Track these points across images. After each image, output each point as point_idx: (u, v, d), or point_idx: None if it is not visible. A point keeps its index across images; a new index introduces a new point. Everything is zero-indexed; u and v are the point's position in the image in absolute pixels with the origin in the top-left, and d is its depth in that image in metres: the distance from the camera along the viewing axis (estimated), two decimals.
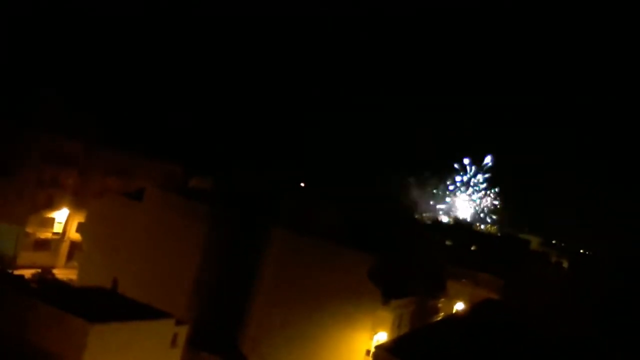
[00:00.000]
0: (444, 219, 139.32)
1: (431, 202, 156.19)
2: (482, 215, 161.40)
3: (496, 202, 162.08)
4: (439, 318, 45.17)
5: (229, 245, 44.09)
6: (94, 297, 32.63)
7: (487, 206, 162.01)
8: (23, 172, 56.08)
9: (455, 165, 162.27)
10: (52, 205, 58.67)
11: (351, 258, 39.56)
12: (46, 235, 58.53)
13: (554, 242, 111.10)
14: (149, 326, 29.89)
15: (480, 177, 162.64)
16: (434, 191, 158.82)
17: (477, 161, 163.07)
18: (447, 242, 64.88)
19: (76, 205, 59.13)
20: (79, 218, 58.37)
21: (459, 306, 48.30)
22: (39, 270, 53.01)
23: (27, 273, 50.13)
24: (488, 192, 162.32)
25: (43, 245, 58.27)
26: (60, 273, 55.38)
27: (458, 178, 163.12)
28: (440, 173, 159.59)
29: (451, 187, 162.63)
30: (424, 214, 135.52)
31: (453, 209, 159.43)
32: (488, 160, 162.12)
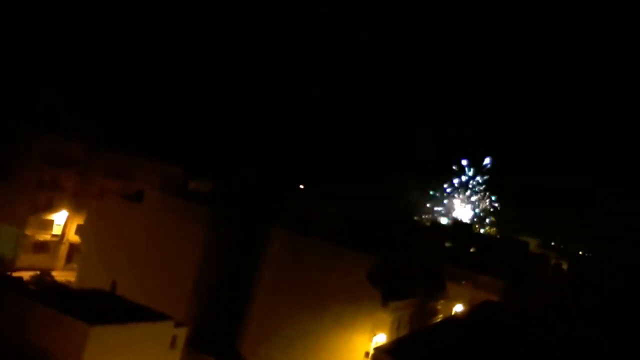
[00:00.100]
0: (443, 220, 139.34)
1: (430, 204, 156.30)
2: (481, 216, 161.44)
3: (495, 204, 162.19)
4: (438, 320, 45.14)
5: (228, 246, 44.09)
6: (93, 299, 32.63)
7: (486, 208, 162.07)
8: (22, 174, 56.03)
9: (454, 167, 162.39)
10: (52, 207, 58.62)
11: (351, 259, 39.56)
12: (45, 237, 58.45)
13: (553, 243, 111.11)
14: (148, 328, 29.88)
15: (479, 178, 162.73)
16: (433, 193, 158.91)
17: (476, 162, 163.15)
18: (447, 244, 64.92)
19: (75, 207, 59.10)
20: (78, 220, 58.36)
21: (458, 308, 48.31)
22: (38, 273, 52.94)
23: (26, 275, 50.05)
24: (487, 193, 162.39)
25: (42, 247, 58.20)
26: (59, 275, 55.28)
27: (457, 180, 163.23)
28: (439, 174, 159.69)
29: (450, 189, 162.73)
30: (424, 216, 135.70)
31: (452, 210, 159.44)
32: (487, 161, 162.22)
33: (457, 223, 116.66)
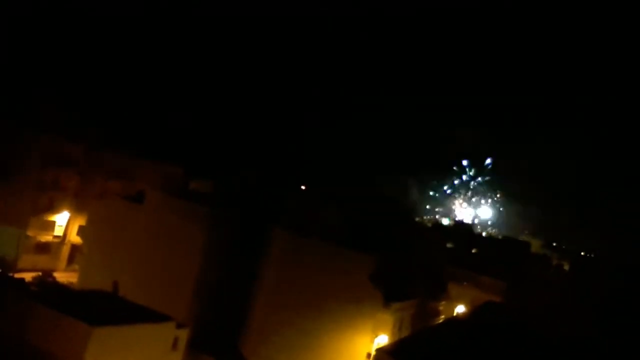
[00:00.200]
0: (445, 221, 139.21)
1: (431, 205, 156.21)
2: (482, 217, 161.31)
3: (496, 205, 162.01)
4: (440, 321, 45.09)
5: (229, 246, 44.07)
6: (95, 300, 32.63)
7: (486, 209, 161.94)
8: (23, 174, 56.03)
9: (455, 167, 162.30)
10: (53, 208, 58.64)
11: (352, 259, 39.50)
12: (47, 238, 58.47)
13: (554, 244, 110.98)
14: (150, 329, 29.87)
15: (480, 179, 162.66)
16: (434, 193, 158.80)
17: (477, 163, 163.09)
18: (448, 245, 64.81)
19: (77, 208, 59.10)
20: (80, 221, 58.35)
21: (460, 309, 48.23)
22: (40, 274, 52.95)
23: (28, 276, 50.04)
24: (488, 194, 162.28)
25: (44, 248, 58.21)
26: (61, 276, 55.30)
27: (458, 180, 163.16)
28: (440, 175, 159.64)
29: (451, 190, 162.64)
30: (425, 216, 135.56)
31: (453, 211, 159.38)
32: (488, 161, 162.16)
33: (458, 224, 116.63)
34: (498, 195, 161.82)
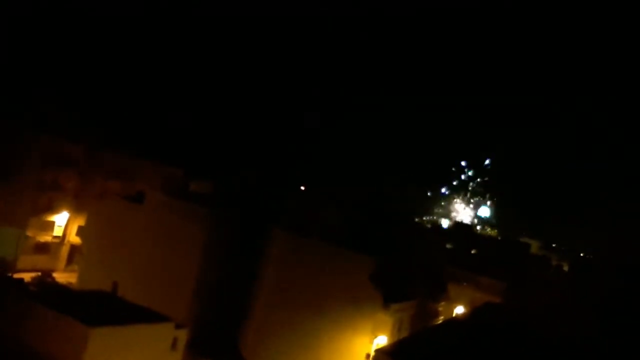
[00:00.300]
0: (444, 222, 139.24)
1: (431, 205, 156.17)
2: (481, 218, 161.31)
3: (496, 205, 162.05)
4: (440, 321, 45.06)
5: (229, 247, 44.07)
6: (94, 300, 32.62)
7: (486, 209, 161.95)
8: (23, 175, 56.01)
9: (454, 168, 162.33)
10: (53, 208, 58.61)
11: (351, 260, 39.51)
12: (46, 238, 58.45)
13: (553, 245, 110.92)
14: (149, 330, 29.84)
15: (479, 179, 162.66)
16: (433, 194, 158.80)
17: (476, 163, 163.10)
18: (448, 246, 64.79)
19: (76, 208, 59.08)
20: (79, 221, 58.33)
21: (460, 309, 48.20)
22: (39, 274, 52.94)
23: (27, 276, 50.02)
24: (487, 194, 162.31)
25: (43, 248, 58.19)
26: (60, 276, 55.29)
27: (457, 181, 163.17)
28: (440, 176, 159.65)
29: (451, 190, 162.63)
30: (424, 217, 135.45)
31: (453, 212, 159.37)
32: (487, 162, 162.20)
33: (457, 224, 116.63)
34: (497, 196, 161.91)
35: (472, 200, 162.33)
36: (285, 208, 47.54)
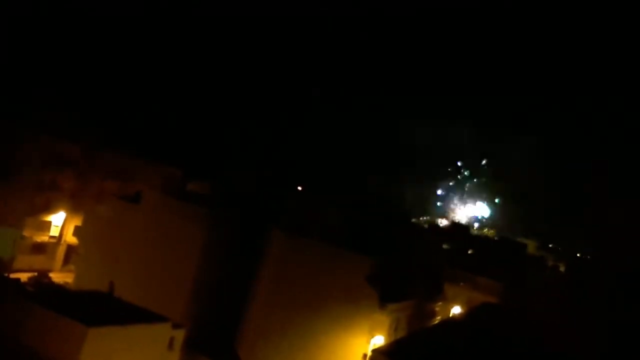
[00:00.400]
0: (441, 222, 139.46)
1: (428, 206, 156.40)
2: (478, 218, 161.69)
3: (492, 205, 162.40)
4: (437, 321, 45.17)
5: (227, 247, 44.09)
6: (91, 300, 32.62)
7: (482, 209, 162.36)
8: (21, 174, 55.94)
9: (451, 169, 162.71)
10: (49, 208, 58.54)
11: (350, 260, 39.56)
12: (43, 238, 58.38)
13: (550, 245, 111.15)
14: (146, 330, 29.86)
15: (476, 179, 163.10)
16: (430, 194, 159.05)
17: (472, 164, 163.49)
18: (445, 246, 64.91)
19: (73, 208, 59.03)
20: (76, 221, 58.25)
21: (457, 310, 48.32)
22: (36, 274, 52.90)
23: (24, 276, 50.01)
24: (484, 194, 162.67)
25: (40, 248, 58.12)
26: (57, 276, 55.25)
27: (455, 181, 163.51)
28: (437, 175, 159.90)
29: (447, 190, 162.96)
30: (422, 217, 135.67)
31: (450, 212, 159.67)
32: (484, 162, 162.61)
33: (455, 224, 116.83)
34: (494, 196, 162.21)
35: (468, 201, 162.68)
36: (284, 208, 47.58)
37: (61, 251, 59.74)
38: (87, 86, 77.97)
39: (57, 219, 59.22)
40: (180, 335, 31.92)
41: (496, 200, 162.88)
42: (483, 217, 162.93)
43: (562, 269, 76.09)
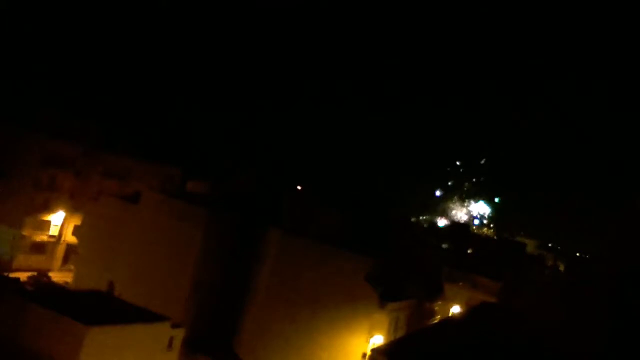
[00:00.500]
0: (440, 221, 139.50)
1: (427, 205, 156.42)
2: (478, 217, 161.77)
3: (491, 205, 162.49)
4: (436, 321, 45.18)
5: (226, 247, 44.09)
6: (90, 300, 32.62)
7: (482, 209, 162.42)
8: (20, 174, 55.98)
9: (449, 168, 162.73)
10: (49, 207, 58.52)
11: (348, 260, 39.61)
12: (42, 238, 58.35)
13: (549, 245, 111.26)
14: (145, 329, 29.88)
15: (474, 179, 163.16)
16: (429, 194, 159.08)
17: (473, 163, 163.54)
18: (444, 245, 64.96)
19: (72, 208, 59.03)
20: (75, 221, 58.27)
21: (456, 309, 48.31)
22: (35, 273, 52.87)
23: (23, 276, 50.01)
24: (483, 194, 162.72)
25: (39, 248, 58.08)
26: (56, 276, 55.24)
27: (453, 180, 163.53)
28: (436, 175, 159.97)
29: (446, 190, 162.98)
30: (421, 217, 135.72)
31: (449, 211, 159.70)
32: (483, 161, 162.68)
33: (454, 224, 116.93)
34: (493, 195, 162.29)
35: (467, 200, 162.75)
36: (283, 209, 47.55)
37: (60, 251, 59.73)
38: (86, 86, 78.06)
39: (56, 219, 59.21)
40: (179, 334, 31.93)
41: (496, 200, 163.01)
42: (482, 216, 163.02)
43: (561, 268, 76.15)
